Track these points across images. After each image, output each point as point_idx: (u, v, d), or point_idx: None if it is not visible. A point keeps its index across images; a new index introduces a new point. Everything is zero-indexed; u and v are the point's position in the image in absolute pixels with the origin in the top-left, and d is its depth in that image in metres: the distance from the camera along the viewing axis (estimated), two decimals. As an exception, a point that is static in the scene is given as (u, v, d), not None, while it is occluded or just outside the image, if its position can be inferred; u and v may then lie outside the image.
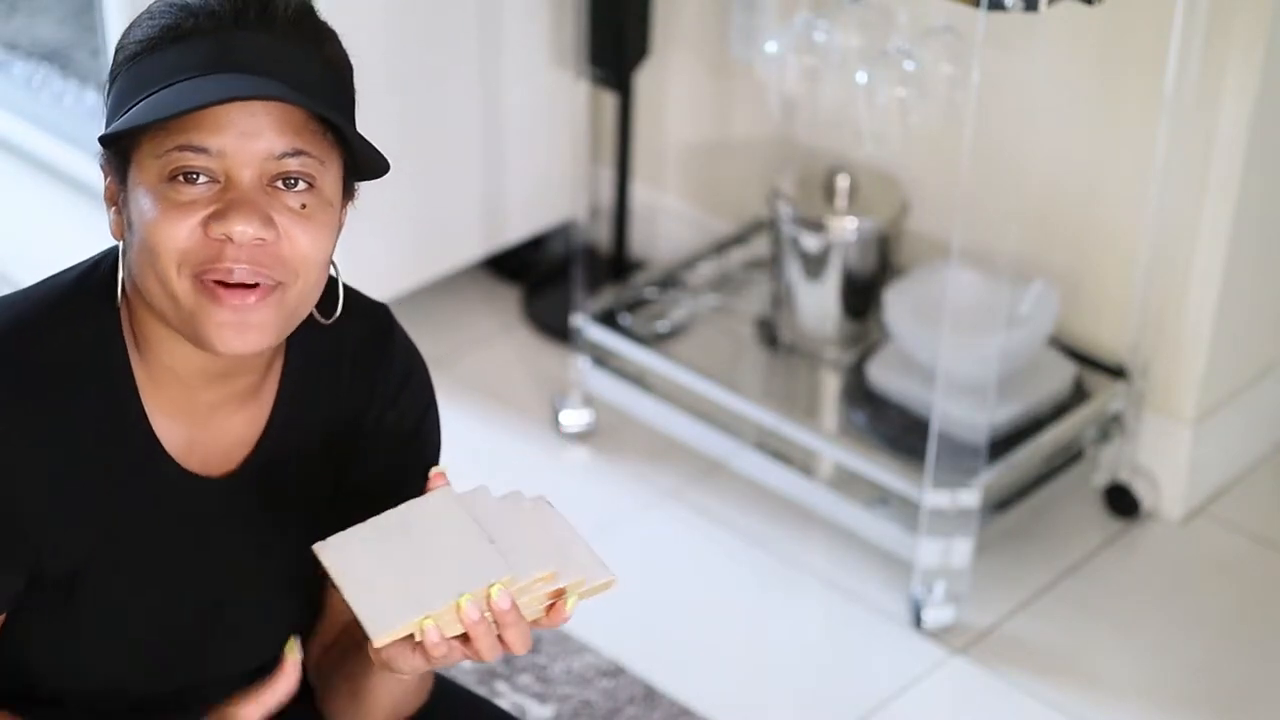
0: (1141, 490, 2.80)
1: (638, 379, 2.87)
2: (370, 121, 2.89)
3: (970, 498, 2.56)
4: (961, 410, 2.55)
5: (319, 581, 1.62)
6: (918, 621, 2.62)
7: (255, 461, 1.56)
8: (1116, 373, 2.78)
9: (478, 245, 3.17)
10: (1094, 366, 2.80)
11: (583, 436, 2.97)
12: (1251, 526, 2.82)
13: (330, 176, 1.46)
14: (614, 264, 3.17)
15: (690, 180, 3.24)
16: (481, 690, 2.48)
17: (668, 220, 3.27)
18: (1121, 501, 2.81)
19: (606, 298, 2.98)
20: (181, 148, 1.41)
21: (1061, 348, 2.81)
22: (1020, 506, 2.68)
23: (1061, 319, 2.82)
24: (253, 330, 1.44)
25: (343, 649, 1.63)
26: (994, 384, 2.56)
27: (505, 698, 2.48)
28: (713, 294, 3.03)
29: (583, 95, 2.96)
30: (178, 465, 1.53)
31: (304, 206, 1.44)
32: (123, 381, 1.50)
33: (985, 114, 2.40)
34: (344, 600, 1.43)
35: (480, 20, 2.99)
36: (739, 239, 3.11)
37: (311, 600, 1.65)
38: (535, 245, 3.28)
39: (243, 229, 1.40)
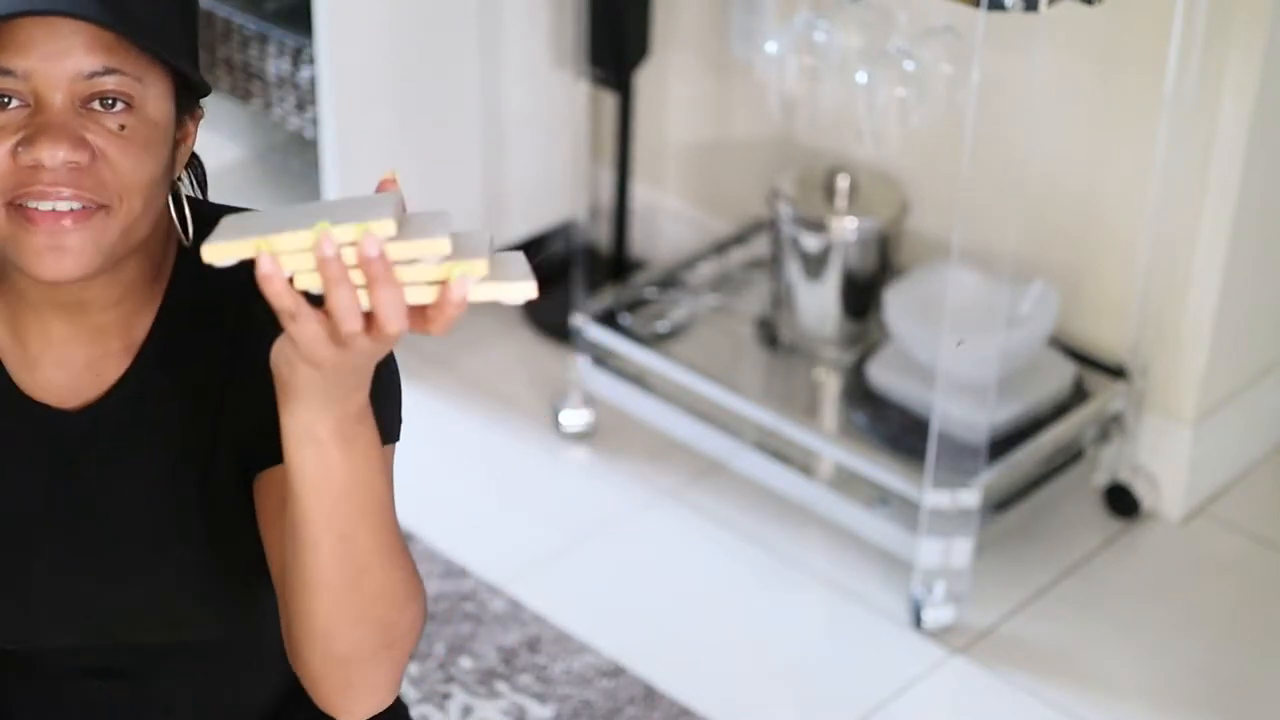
0: (1141, 490, 2.80)
1: (638, 379, 2.87)
2: (371, 121, 2.91)
3: (970, 498, 2.56)
4: (961, 410, 2.55)
5: (258, 553, 1.48)
6: (918, 621, 2.62)
7: (120, 395, 1.47)
8: (1116, 373, 2.78)
9: (478, 245, 3.17)
10: (1094, 366, 2.80)
11: (583, 436, 2.97)
12: (1251, 526, 2.82)
13: (153, 94, 1.38)
14: (614, 264, 3.17)
15: (690, 180, 3.24)
16: (481, 690, 2.48)
17: (668, 220, 3.27)
18: (1121, 501, 2.81)
19: (606, 298, 2.98)
20: None
21: (1061, 348, 2.81)
22: (1020, 506, 2.68)
23: (1061, 319, 2.82)
24: (70, 255, 1.35)
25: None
26: (994, 384, 2.56)
27: (505, 698, 2.47)
28: (713, 294, 3.03)
29: (583, 95, 2.95)
30: (28, 397, 1.46)
31: (122, 128, 1.36)
32: None
33: (985, 114, 2.40)
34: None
35: (480, 21, 2.99)
36: (739, 239, 3.11)
37: (235, 569, 1.49)
38: (535, 245, 3.28)
39: (51, 153, 1.33)
